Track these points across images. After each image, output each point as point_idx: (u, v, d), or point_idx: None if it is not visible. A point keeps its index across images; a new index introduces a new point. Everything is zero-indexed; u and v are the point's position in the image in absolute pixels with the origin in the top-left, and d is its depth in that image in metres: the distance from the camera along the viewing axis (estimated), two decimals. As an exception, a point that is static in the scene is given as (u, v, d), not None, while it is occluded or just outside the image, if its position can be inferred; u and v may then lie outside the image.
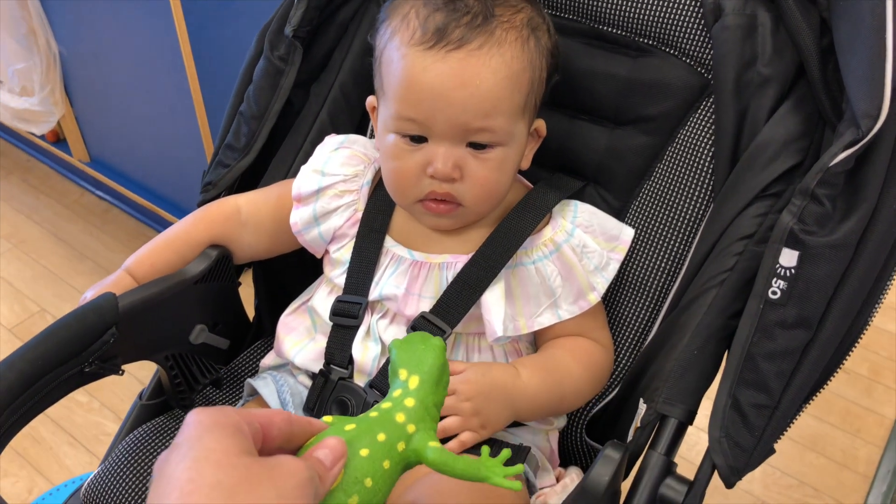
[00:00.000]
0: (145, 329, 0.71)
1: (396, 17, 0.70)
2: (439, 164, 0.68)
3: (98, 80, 1.84)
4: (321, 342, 0.74)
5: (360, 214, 0.77)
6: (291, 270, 0.88)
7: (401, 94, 0.68)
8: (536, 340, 0.77)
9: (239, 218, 0.80)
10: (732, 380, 0.62)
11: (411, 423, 0.52)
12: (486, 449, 0.53)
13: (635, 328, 0.78)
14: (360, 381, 0.72)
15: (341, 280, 0.75)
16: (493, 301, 0.70)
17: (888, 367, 1.71)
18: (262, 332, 0.92)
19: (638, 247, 0.78)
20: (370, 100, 0.78)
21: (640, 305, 0.78)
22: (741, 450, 0.61)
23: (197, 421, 0.42)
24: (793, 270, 0.60)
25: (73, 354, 0.63)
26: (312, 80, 0.88)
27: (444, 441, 0.67)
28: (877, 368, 1.70)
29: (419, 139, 0.69)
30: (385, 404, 0.54)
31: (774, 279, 0.61)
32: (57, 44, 1.83)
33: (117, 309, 0.67)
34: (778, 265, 0.61)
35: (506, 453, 0.53)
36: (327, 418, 0.52)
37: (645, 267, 0.77)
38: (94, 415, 1.54)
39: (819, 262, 0.60)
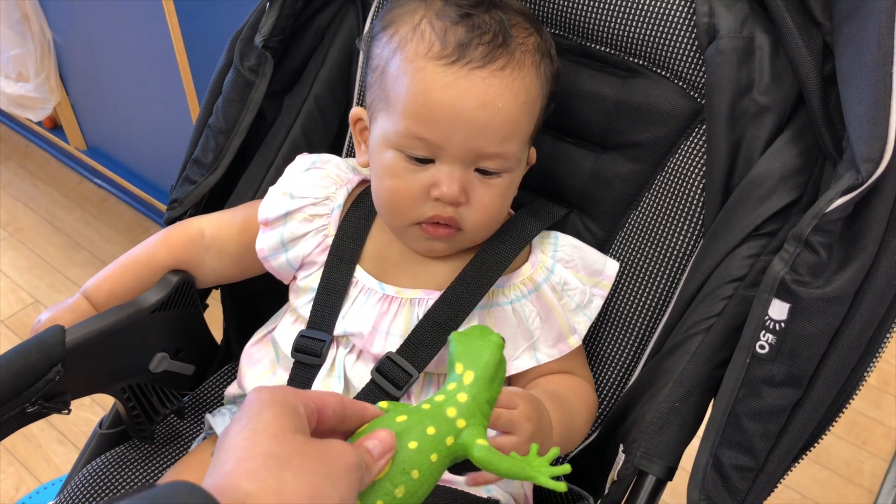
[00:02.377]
0: (97, 362, 0.68)
1: (404, 27, 0.65)
2: (446, 188, 0.63)
3: (93, 68, 1.82)
4: (283, 377, 0.71)
5: (330, 240, 0.72)
6: (260, 293, 0.84)
7: (414, 109, 0.63)
8: (514, 381, 0.73)
9: (202, 242, 0.76)
10: (714, 438, 0.58)
11: (462, 419, 0.52)
12: (534, 447, 0.52)
13: (618, 368, 0.74)
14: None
15: (306, 310, 0.71)
16: None
17: (897, 376, 1.66)
18: (231, 356, 0.89)
19: (623, 281, 0.73)
20: (356, 111, 0.73)
21: (624, 344, 0.73)
22: (721, 514, 0.57)
23: (258, 397, 0.44)
24: (783, 324, 0.56)
25: (13, 395, 0.60)
26: (286, 91, 0.83)
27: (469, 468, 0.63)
28: (886, 377, 1.65)
29: (425, 159, 0.64)
30: (438, 397, 0.54)
31: (763, 332, 0.56)
32: (51, 31, 1.82)
33: (63, 345, 0.63)
34: (767, 317, 0.56)
35: (553, 452, 0.52)
36: (383, 404, 0.53)
37: (629, 303, 0.72)
38: (84, 411, 1.53)
39: (812, 317, 0.55)
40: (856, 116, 0.54)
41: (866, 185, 0.53)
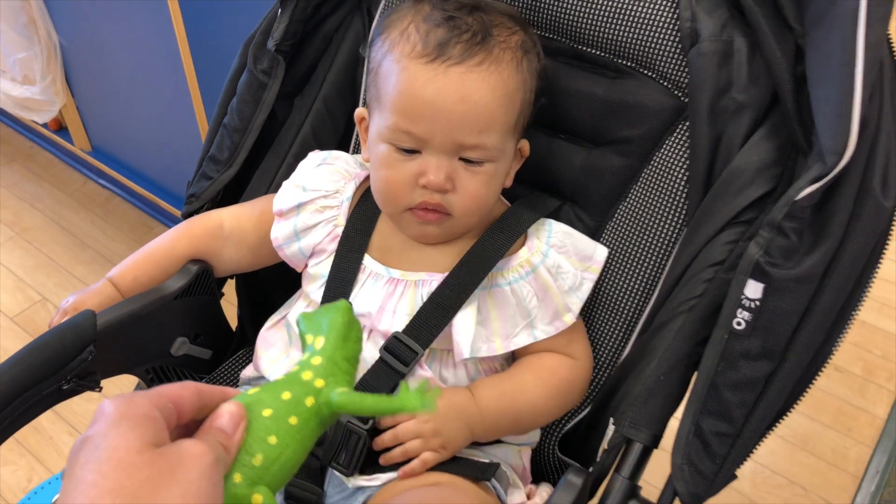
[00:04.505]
0: (124, 345, 0.73)
1: (394, 31, 0.71)
2: (432, 176, 0.69)
3: (98, 71, 1.85)
4: (296, 357, 0.76)
5: (339, 230, 0.77)
6: (273, 283, 0.89)
7: (400, 105, 0.69)
8: (515, 356, 0.78)
9: (221, 233, 0.81)
10: (696, 408, 0.63)
11: (319, 379, 0.53)
12: (403, 384, 0.54)
13: (609, 347, 0.79)
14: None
15: (318, 295, 0.76)
16: (463, 323, 0.70)
17: (882, 366, 1.71)
18: (245, 341, 0.94)
19: (612, 267, 0.78)
20: (359, 111, 0.78)
21: (614, 325, 0.78)
22: (703, 477, 0.62)
23: (105, 414, 0.42)
24: (757, 302, 0.61)
25: (50, 373, 0.65)
26: (296, 92, 0.88)
27: (405, 463, 0.69)
28: (870, 367, 1.71)
29: (413, 150, 0.70)
30: (293, 368, 0.55)
31: (739, 310, 0.62)
32: (57, 35, 1.85)
33: (95, 327, 0.68)
34: (743, 296, 0.61)
35: (423, 383, 0.53)
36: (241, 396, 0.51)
37: (619, 287, 0.78)
38: (94, 404, 1.57)
39: (783, 295, 0.60)
40: (823, 114, 0.59)
41: (832, 174, 0.58)
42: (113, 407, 0.42)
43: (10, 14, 1.80)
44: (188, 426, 0.47)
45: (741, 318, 0.62)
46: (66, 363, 0.66)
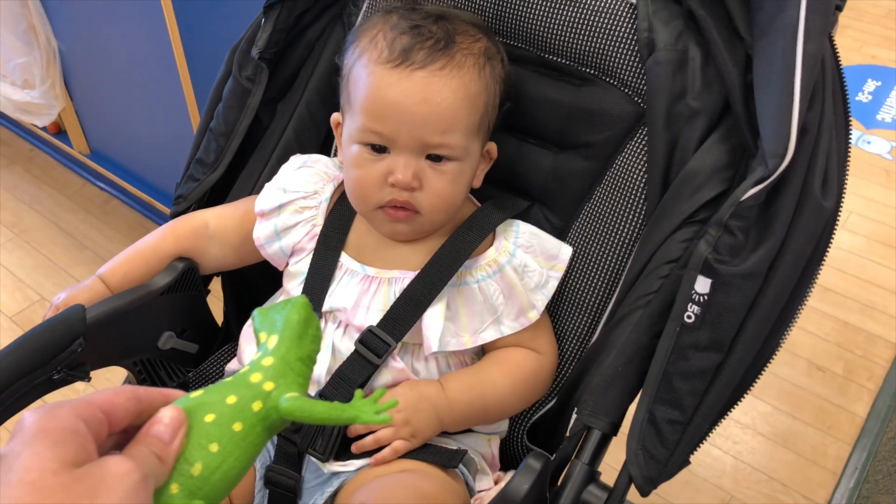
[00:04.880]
0: (112, 338, 0.77)
1: (364, 39, 0.75)
2: (400, 174, 0.73)
3: (96, 76, 1.88)
4: None
5: (318, 230, 0.81)
6: (256, 280, 0.93)
7: (367, 107, 0.73)
8: (484, 349, 0.82)
9: (206, 232, 0.85)
10: (650, 396, 0.66)
11: (269, 381, 0.49)
12: (358, 392, 0.53)
13: (574, 341, 0.83)
14: (311, 391, 0.77)
15: (298, 291, 0.80)
16: (433, 318, 0.74)
17: (863, 365, 1.74)
18: (230, 336, 0.98)
19: (577, 264, 0.82)
20: (335, 116, 0.83)
21: (579, 320, 0.82)
22: (656, 462, 0.66)
23: (23, 429, 0.38)
24: (706, 297, 0.64)
25: (42, 363, 0.69)
26: (279, 98, 0.92)
27: (377, 450, 0.72)
28: (851, 367, 1.74)
29: (381, 149, 0.74)
30: (244, 370, 0.51)
31: (690, 304, 0.65)
32: (56, 40, 1.88)
33: (84, 321, 0.72)
34: (693, 291, 0.65)
35: (379, 392, 0.52)
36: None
37: (583, 284, 0.82)
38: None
39: (730, 290, 0.64)
40: (766, 118, 0.63)
41: (773, 176, 0.62)
42: (31, 421, 0.39)
43: (11, 20, 1.84)
44: (128, 432, 0.44)
45: (691, 312, 0.65)
46: (57, 354, 0.70)
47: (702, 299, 0.65)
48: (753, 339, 0.65)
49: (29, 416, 0.39)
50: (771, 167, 0.61)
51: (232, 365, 0.87)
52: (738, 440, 1.57)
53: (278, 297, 0.85)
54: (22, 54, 1.90)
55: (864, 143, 2.38)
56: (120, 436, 0.44)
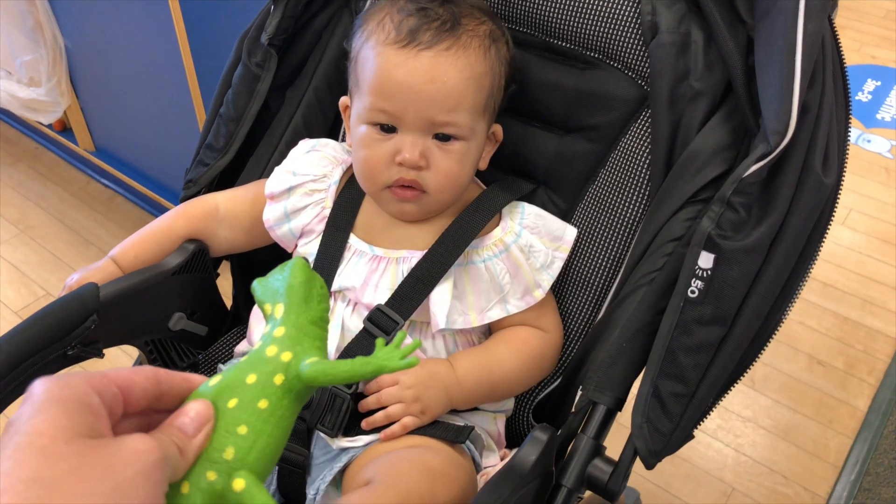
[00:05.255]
0: (125, 316, 0.78)
1: (372, 22, 0.77)
2: (407, 153, 0.74)
3: (102, 73, 1.89)
4: None
5: (327, 212, 0.83)
6: (266, 263, 0.94)
7: (375, 87, 0.74)
8: (491, 329, 0.83)
9: (217, 214, 0.86)
10: (654, 371, 0.67)
11: (286, 352, 0.48)
12: (379, 341, 0.51)
13: (579, 320, 0.84)
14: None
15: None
16: (440, 296, 0.76)
17: (863, 360, 1.75)
18: (239, 320, 0.99)
19: (582, 245, 0.83)
20: (343, 100, 0.84)
21: (584, 299, 0.83)
22: (660, 434, 0.67)
23: (36, 394, 0.37)
24: (709, 272, 0.66)
25: (56, 339, 0.70)
26: (288, 84, 0.94)
27: (387, 426, 0.73)
28: (852, 362, 1.75)
29: (389, 129, 0.75)
30: (257, 346, 0.50)
31: (693, 279, 0.66)
32: (63, 37, 1.89)
33: (98, 298, 0.73)
34: (697, 266, 0.66)
35: (401, 335, 0.51)
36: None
37: (588, 264, 0.83)
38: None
39: (732, 265, 0.65)
40: (767, 97, 0.64)
41: (775, 153, 0.63)
42: (43, 388, 0.37)
43: (18, 17, 1.85)
44: (147, 415, 0.43)
45: (695, 287, 0.66)
46: (71, 330, 0.71)
47: (705, 274, 0.66)
48: (756, 313, 0.66)
49: (41, 383, 0.37)
50: (773, 144, 0.63)
51: (241, 346, 0.88)
52: (739, 433, 1.57)
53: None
54: (28, 51, 1.91)
55: (864, 142, 2.40)
56: (139, 419, 0.42)
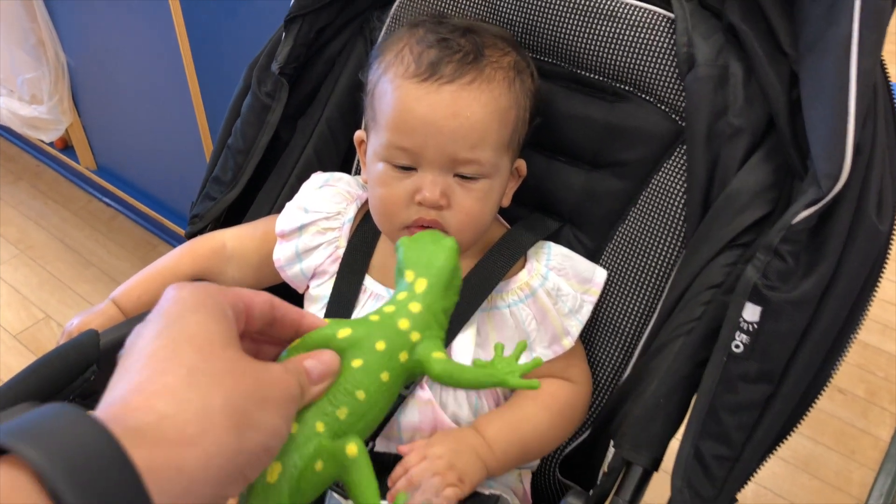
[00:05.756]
0: (127, 364, 0.73)
1: (390, 54, 0.73)
2: (427, 192, 0.69)
3: (105, 91, 1.87)
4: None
5: (341, 251, 0.78)
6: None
7: (394, 123, 0.70)
8: None
9: (224, 253, 0.82)
10: (695, 431, 0.63)
11: (416, 331, 0.48)
12: (498, 346, 0.51)
13: (609, 369, 0.79)
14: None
15: (319, 317, 0.76)
16: (463, 344, 0.71)
17: (885, 388, 1.71)
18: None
19: (612, 289, 0.79)
20: (358, 134, 0.80)
21: (614, 347, 0.79)
22: (702, 500, 0.62)
23: (178, 297, 0.37)
24: (755, 325, 0.61)
25: (53, 392, 0.65)
26: (300, 114, 0.90)
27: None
28: (873, 389, 1.70)
29: (408, 167, 0.71)
30: (388, 307, 0.49)
31: (738, 333, 0.62)
32: (65, 55, 1.87)
33: (98, 346, 0.68)
34: (741, 319, 0.62)
35: (522, 345, 0.51)
36: (327, 321, 0.48)
37: (618, 309, 0.78)
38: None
39: (781, 318, 0.60)
40: (817, 137, 0.60)
41: (827, 198, 0.58)
42: (187, 292, 0.37)
43: (20, 35, 1.83)
44: (256, 341, 0.43)
45: (739, 341, 0.62)
46: (69, 383, 0.67)
47: (751, 328, 0.61)
48: (805, 370, 0.62)
49: (180, 287, 0.37)
50: (825, 188, 0.58)
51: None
52: (759, 465, 1.53)
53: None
54: (30, 69, 1.89)
55: None
56: (249, 342, 0.42)
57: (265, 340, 0.45)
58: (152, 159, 1.90)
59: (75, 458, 0.28)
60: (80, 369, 0.67)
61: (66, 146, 2.13)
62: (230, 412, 0.33)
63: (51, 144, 2.14)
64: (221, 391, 0.33)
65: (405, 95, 0.69)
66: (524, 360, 0.72)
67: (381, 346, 0.46)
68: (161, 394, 0.32)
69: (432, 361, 0.47)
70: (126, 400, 0.32)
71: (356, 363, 0.45)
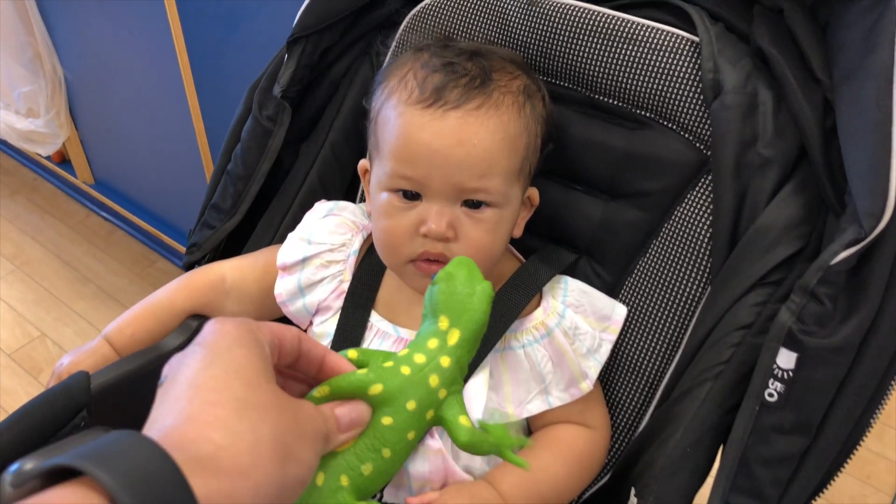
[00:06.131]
0: (120, 407, 0.69)
1: (393, 79, 0.69)
2: (433, 224, 0.66)
3: (102, 104, 1.85)
4: None
5: (345, 286, 0.74)
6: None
7: (397, 151, 0.66)
8: (530, 424, 0.74)
9: (223, 286, 0.78)
10: (725, 484, 0.59)
11: (444, 388, 0.48)
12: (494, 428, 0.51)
13: (629, 411, 0.75)
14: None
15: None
16: (475, 389, 0.67)
17: (899, 410, 1.67)
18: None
19: (632, 326, 0.74)
20: (362, 163, 0.76)
21: (634, 387, 0.74)
22: (733, 559, 0.58)
23: (224, 331, 0.38)
24: (791, 373, 0.57)
25: (39, 443, 0.61)
26: (302, 138, 0.86)
27: None
28: (887, 411, 1.66)
29: (413, 196, 0.67)
30: (418, 356, 0.48)
31: (771, 380, 0.58)
32: (62, 68, 1.85)
33: (89, 390, 0.64)
34: (775, 366, 0.58)
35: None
36: (351, 353, 0.49)
37: (639, 348, 0.74)
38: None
39: (819, 366, 0.57)
40: (857, 173, 0.56)
41: (869, 238, 0.54)
42: (231, 326, 0.39)
43: (16, 48, 1.80)
44: (281, 373, 0.44)
45: (773, 390, 0.58)
46: (57, 430, 0.62)
47: (786, 375, 0.57)
48: (844, 421, 0.58)
49: (219, 323, 0.39)
50: (866, 228, 0.54)
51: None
52: (774, 491, 1.49)
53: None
54: (27, 83, 1.86)
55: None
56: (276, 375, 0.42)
57: (289, 374, 0.46)
58: (151, 174, 1.88)
59: (143, 484, 0.30)
60: (69, 416, 0.63)
61: (63, 160, 2.10)
62: (276, 445, 0.35)
63: (48, 158, 2.11)
64: (268, 424, 0.35)
65: (409, 122, 0.65)
66: (539, 403, 0.69)
67: (412, 405, 0.46)
68: (214, 425, 0.33)
69: (460, 429, 0.47)
70: (181, 430, 0.33)
71: (386, 420, 0.45)
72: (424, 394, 0.47)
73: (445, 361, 0.49)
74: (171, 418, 0.34)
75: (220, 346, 0.37)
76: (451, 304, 0.51)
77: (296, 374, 0.47)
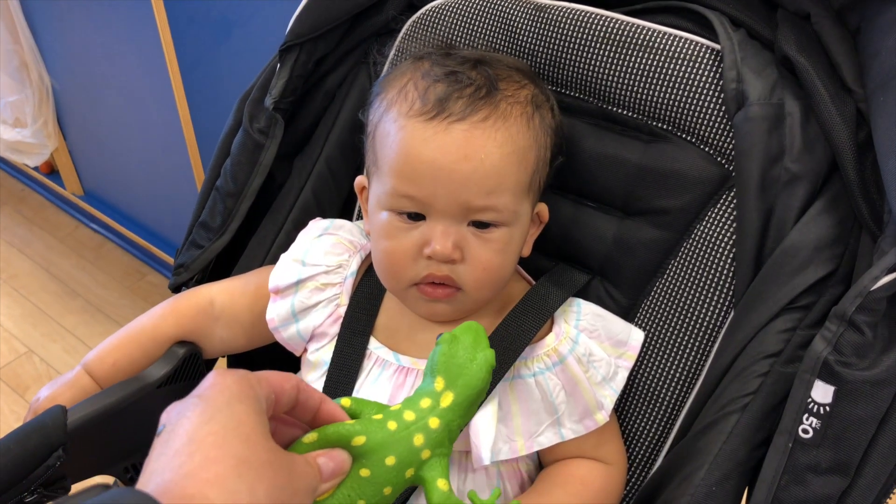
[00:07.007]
0: (100, 443, 0.64)
1: (392, 90, 0.65)
2: (438, 245, 0.61)
3: (91, 114, 1.81)
4: None
5: (342, 310, 0.69)
6: (268, 366, 0.81)
7: (398, 167, 0.62)
8: (540, 457, 0.70)
9: (212, 311, 0.73)
10: (757, 528, 0.54)
11: (427, 449, 0.48)
12: (472, 493, 0.52)
13: (646, 444, 0.70)
14: None
15: (319, 385, 0.67)
16: (483, 422, 0.62)
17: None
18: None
19: (649, 352, 0.70)
20: (359, 180, 0.72)
21: (652, 417, 0.70)
22: None
23: (224, 385, 0.39)
24: (827, 408, 0.53)
25: (11, 485, 0.56)
26: (296, 152, 0.81)
27: None
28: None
29: (416, 216, 0.62)
30: (408, 413, 0.49)
31: (806, 416, 0.53)
32: (49, 77, 1.81)
33: (65, 427, 0.60)
34: (810, 400, 0.53)
35: (496, 492, 0.53)
36: (344, 401, 0.49)
37: (657, 376, 0.69)
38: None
39: (858, 400, 0.52)
40: (897, 189, 0.52)
41: (914, 262, 0.50)
42: (231, 380, 0.39)
43: (3, 57, 1.77)
44: (274, 420, 0.44)
45: (808, 426, 0.53)
46: (30, 471, 0.58)
47: (822, 410, 0.53)
48: (886, 460, 0.53)
49: (219, 375, 0.39)
50: (910, 251, 0.50)
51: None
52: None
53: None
54: (14, 92, 1.82)
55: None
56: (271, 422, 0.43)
57: (281, 420, 0.46)
58: (141, 184, 1.84)
59: None
60: (44, 455, 0.58)
61: (51, 171, 2.06)
62: (271, 502, 0.36)
63: (36, 169, 2.07)
64: (264, 483, 0.36)
65: (410, 136, 0.61)
66: (551, 435, 0.64)
67: (391, 461, 0.46)
68: (213, 483, 0.34)
69: (434, 492, 0.48)
70: (181, 485, 0.33)
71: (364, 472, 0.45)
72: (405, 451, 0.47)
73: (434, 423, 0.49)
74: (170, 472, 0.34)
75: (220, 401, 0.38)
76: (449, 367, 0.51)
77: (289, 420, 0.47)
